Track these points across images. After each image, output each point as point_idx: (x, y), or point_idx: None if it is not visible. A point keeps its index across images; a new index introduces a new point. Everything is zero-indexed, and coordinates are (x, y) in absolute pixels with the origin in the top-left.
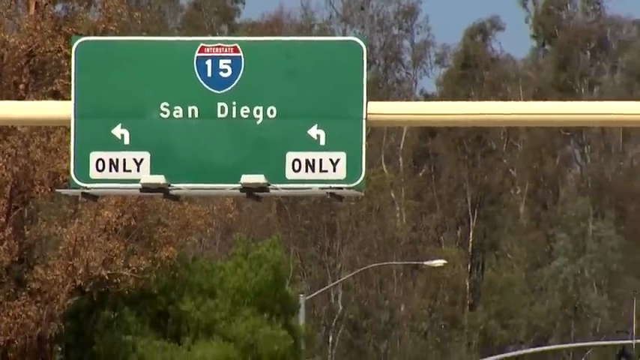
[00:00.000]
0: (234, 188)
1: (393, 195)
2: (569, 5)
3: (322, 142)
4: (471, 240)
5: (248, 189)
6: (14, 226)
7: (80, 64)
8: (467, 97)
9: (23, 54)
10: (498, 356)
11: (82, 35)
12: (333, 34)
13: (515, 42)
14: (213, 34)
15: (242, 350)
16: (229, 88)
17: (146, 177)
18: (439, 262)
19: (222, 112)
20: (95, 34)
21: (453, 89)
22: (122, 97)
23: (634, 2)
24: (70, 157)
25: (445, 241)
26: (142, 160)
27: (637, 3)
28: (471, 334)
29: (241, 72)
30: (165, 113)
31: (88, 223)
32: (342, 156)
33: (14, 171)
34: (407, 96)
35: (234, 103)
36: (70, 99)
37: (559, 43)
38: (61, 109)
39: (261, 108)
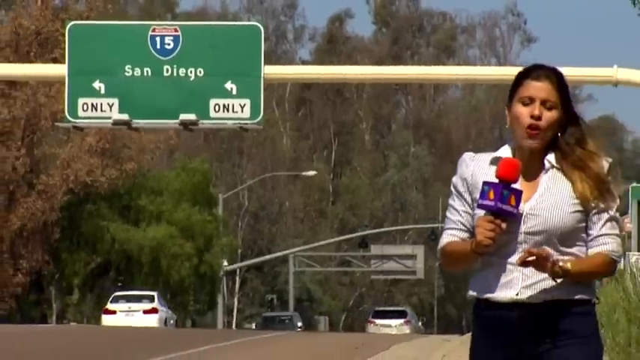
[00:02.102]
0: (175, 123)
1: (281, 128)
2: (397, 1)
3: (234, 92)
4: (333, 158)
5: (184, 124)
6: (27, 148)
7: (71, 40)
8: (331, 63)
9: (33, 32)
10: (351, 235)
11: (72, 20)
12: (241, 20)
13: (362, 26)
14: (161, 20)
15: (181, 230)
16: (172, 56)
17: (116, 115)
18: (312, 173)
19: (167, 72)
20: (81, 20)
21: (322, 57)
22: (99, 62)
23: None
24: (64, 102)
25: (316, 159)
26: (112, 104)
27: (442, 0)
28: (332, 220)
29: (180, 45)
30: (128, 72)
31: (76, 146)
32: (247, 102)
33: (26, 111)
34: (290, 62)
35: (175, 66)
36: (64, 63)
37: (391, 27)
38: (59, 70)
39: (193, 69)
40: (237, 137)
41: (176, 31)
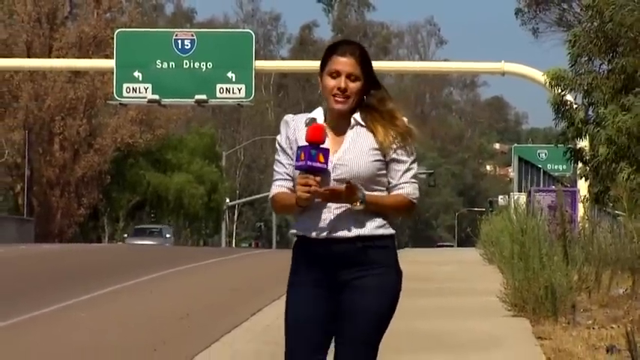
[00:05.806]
0: (191, 101)
1: (267, 105)
2: (348, 15)
3: (234, 79)
4: None
5: (198, 102)
6: (87, 119)
7: (118, 42)
8: (301, 59)
9: (91, 36)
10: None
11: (119, 28)
12: (239, 28)
13: (324, 33)
14: (182, 27)
15: (196, 177)
16: (189, 53)
17: (150, 96)
18: None
19: (186, 65)
20: (125, 28)
21: (296, 55)
22: (138, 57)
23: (380, 13)
24: (113, 86)
25: None
26: (147, 87)
27: (381, 13)
28: None
29: (195, 46)
30: (158, 65)
31: (122, 118)
32: (243, 86)
33: (87, 92)
34: (273, 58)
35: (191, 60)
36: (113, 58)
37: (345, 33)
38: (109, 63)
39: (204, 63)
40: (235, 111)
41: (192, 35)
